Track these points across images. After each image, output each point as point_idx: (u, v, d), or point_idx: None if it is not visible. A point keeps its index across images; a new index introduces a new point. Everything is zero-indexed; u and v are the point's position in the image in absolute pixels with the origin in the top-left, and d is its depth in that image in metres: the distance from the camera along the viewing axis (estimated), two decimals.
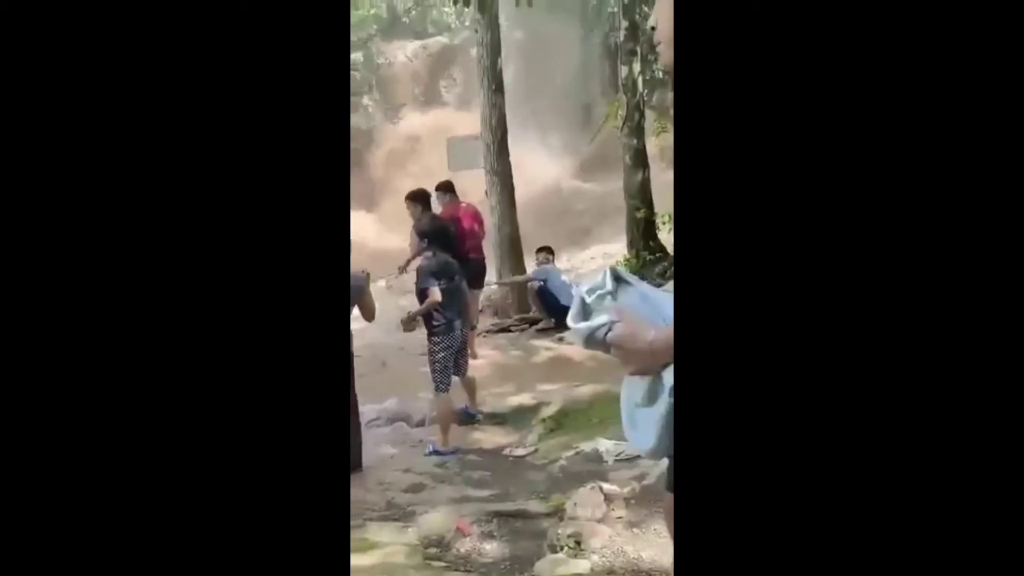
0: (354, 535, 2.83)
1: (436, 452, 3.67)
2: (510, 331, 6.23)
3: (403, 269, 5.45)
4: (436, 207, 5.31)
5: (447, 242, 3.93)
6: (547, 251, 6.38)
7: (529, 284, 6.20)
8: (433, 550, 2.69)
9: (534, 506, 2.96)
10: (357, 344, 3.63)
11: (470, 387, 4.17)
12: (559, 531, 2.55)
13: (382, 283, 6.24)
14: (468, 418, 4.16)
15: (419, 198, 5.13)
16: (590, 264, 8.87)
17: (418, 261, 4.03)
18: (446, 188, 5.59)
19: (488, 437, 4.00)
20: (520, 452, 3.66)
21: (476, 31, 7.20)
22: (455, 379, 3.92)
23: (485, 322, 6.43)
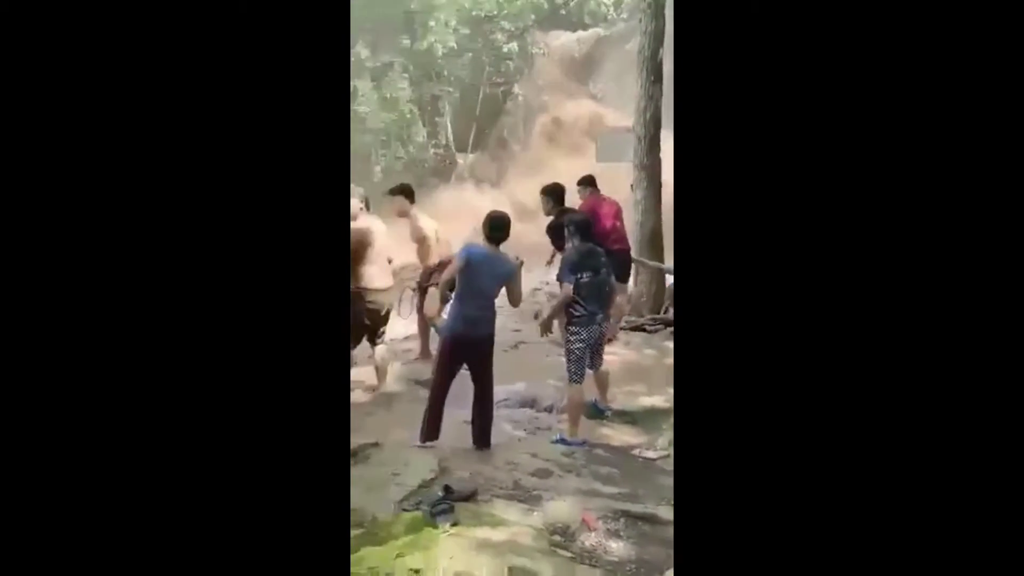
0: (483, 509, 2.87)
1: (563, 441, 3.64)
2: (644, 330, 6.06)
3: (549, 262, 5.47)
4: (577, 201, 5.28)
5: (588, 233, 3.86)
6: None
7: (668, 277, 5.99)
8: (558, 538, 2.66)
9: (664, 512, 2.84)
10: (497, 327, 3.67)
11: (602, 381, 4.10)
12: None
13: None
14: (597, 412, 4.09)
15: (552, 192, 5.12)
16: None
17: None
18: (587, 182, 5.53)
19: (616, 435, 3.91)
20: (651, 455, 3.54)
21: (640, 20, 7.01)
22: (588, 372, 3.87)
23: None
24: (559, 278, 3.81)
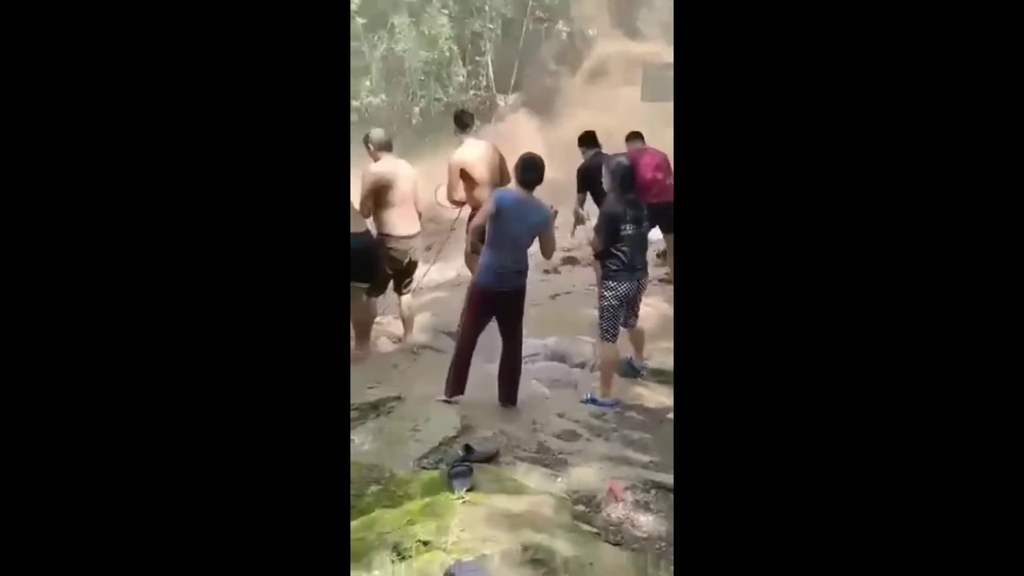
0: (503, 473, 2.72)
1: (593, 401, 3.45)
2: None
3: (573, 232, 5.07)
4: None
5: (630, 180, 3.53)
6: None
7: None
8: (581, 508, 2.49)
9: None
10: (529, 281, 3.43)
11: (637, 339, 3.86)
12: None
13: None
14: (632, 371, 3.87)
15: (586, 142, 4.78)
16: None
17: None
18: (634, 136, 5.18)
19: (651, 395, 3.69)
20: None
21: None
22: (622, 329, 3.63)
23: (657, 270, 6.00)
24: (597, 230, 3.53)
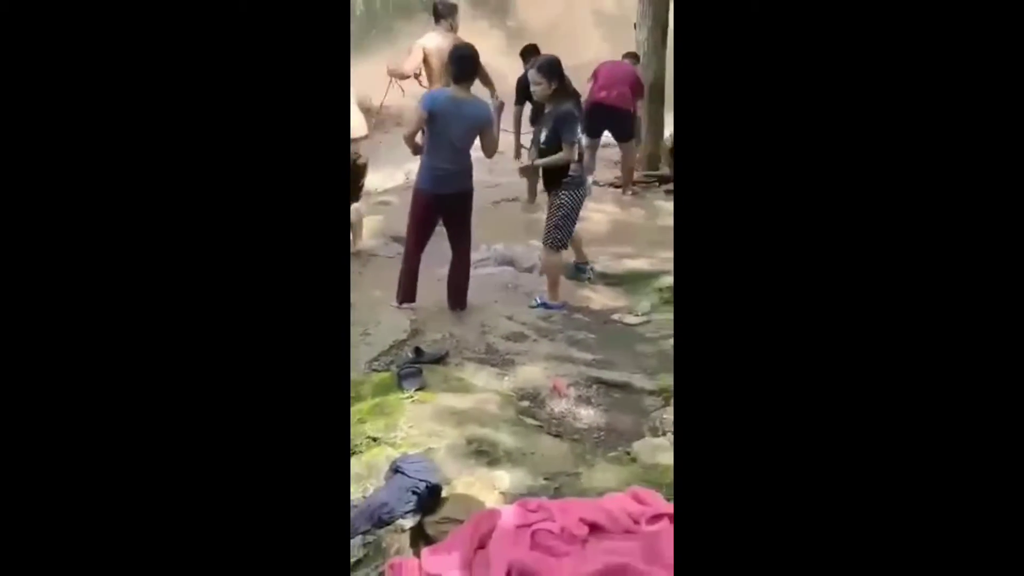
0: (452, 373, 2.80)
1: (544, 305, 3.52)
2: (633, 186, 5.78)
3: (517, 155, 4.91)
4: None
5: (557, 72, 3.20)
6: None
7: (664, 140, 5.60)
8: (526, 404, 2.61)
9: (639, 381, 2.77)
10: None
11: (577, 243, 3.89)
12: (664, 415, 2.36)
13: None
14: (578, 272, 3.94)
15: (528, 54, 4.61)
16: None
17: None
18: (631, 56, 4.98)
19: (598, 298, 3.79)
20: (631, 320, 3.44)
21: None
22: None
23: (607, 174, 6.00)
24: (564, 138, 3.30)
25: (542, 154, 3.37)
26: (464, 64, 3.01)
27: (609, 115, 5.29)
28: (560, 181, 3.40)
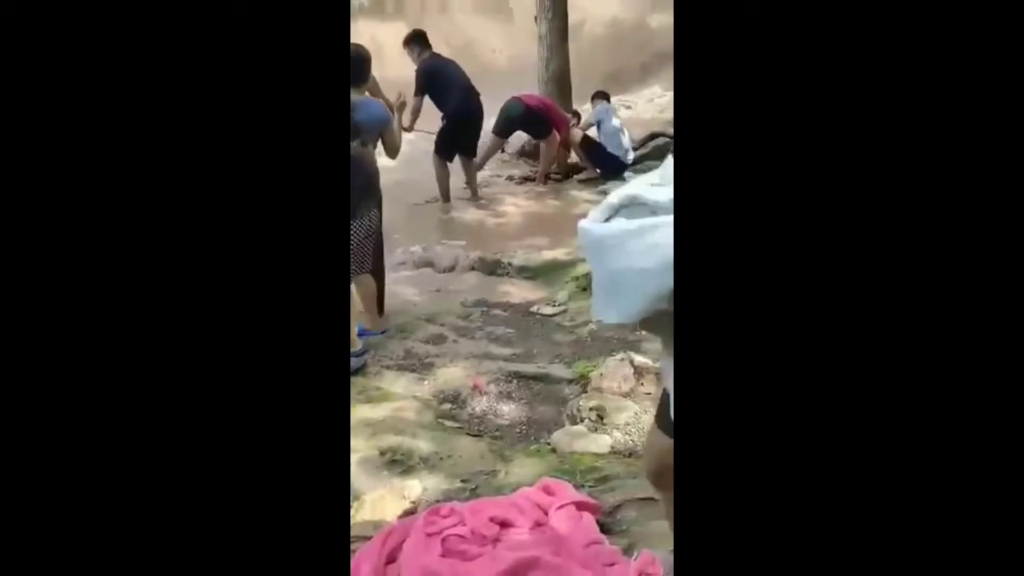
0: (368, 383, 2.74)
1: (362, 333, 3.03)
2: (548, 179, 5.83)
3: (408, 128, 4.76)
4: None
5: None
6: (603, 97, 5.81)
7: (573, 130, 5.66)
8: (448, 406, 2.58)
9: (557, 370, 2.79)
10: (384, 183, 3.29)
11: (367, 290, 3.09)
12: (581, 402, 2.38)
13: None
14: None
15: (414, 41, 4.56)
16: (648, 108, 8.15)
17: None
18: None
19: (517, 292, 3.79)
20: (548, 310, 3.46)
21: None
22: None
23: (521, 168, 6.03)
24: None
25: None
26: (353, 65, 2.93)
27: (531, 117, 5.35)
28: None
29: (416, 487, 1.72)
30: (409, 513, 1.63)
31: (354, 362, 2.84)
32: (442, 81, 4.75)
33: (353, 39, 3.31)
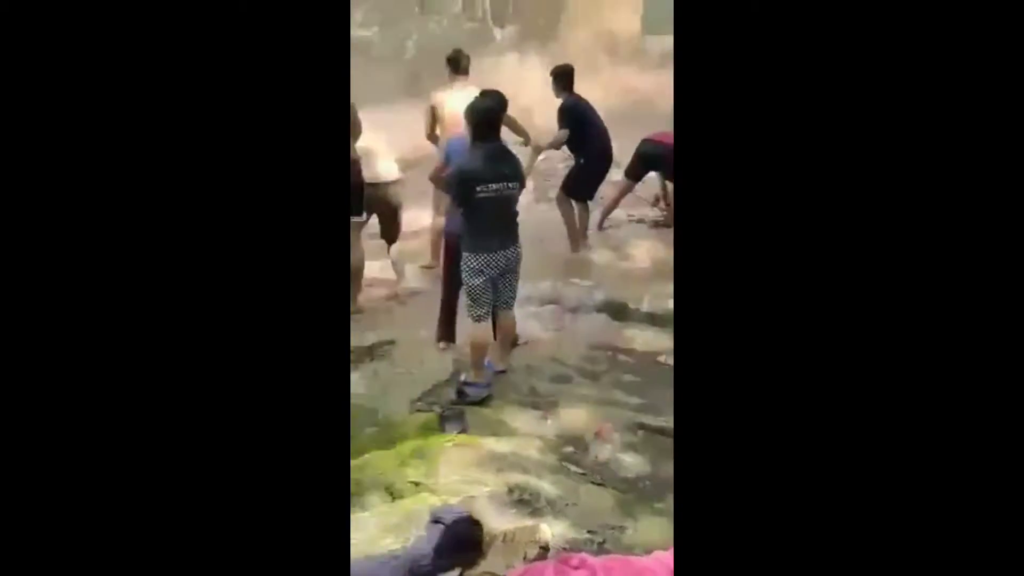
0: (493, 416, 2.78)
1: (466, 384, 2.97)
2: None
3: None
4: None
5: (484, 124, 2.83)
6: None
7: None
8: (570, 449, 2.55)
9: None
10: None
11: (506, 330, 3.10)
12: None
13: None
14: (466, 390, 2.94)
15: (559, 76, 4.53)
16: None
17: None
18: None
19: (643, 338, 3.72)
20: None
21: None
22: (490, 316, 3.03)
23: (654, 212, 5.94)
24: (447, 187, 2.99)
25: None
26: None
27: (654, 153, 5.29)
28: (466, 240, 2.90)
29: (547, 532, 1.71)
30: (541, 557, 1.62)
31: (476, 392, 2.92)
32: (586, 120, 4.80)
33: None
